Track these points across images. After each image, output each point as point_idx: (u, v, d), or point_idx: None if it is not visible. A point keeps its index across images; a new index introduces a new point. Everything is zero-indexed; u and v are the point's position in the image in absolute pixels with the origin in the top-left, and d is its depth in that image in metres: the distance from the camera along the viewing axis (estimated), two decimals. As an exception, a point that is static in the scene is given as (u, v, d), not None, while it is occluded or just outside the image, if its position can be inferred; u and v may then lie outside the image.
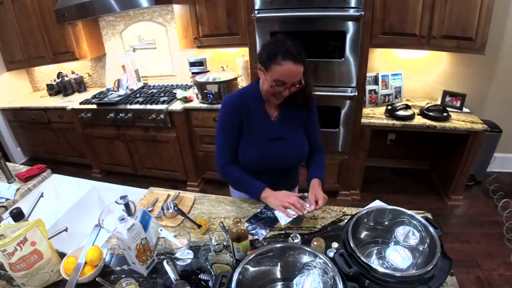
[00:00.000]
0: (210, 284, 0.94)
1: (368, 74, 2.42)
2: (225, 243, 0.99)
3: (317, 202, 1.16)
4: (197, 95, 2.69)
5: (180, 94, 2.72)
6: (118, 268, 1.08)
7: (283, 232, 1.18)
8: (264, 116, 1.27)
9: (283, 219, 1.14)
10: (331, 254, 0.95)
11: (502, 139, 2.53)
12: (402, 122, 2.30)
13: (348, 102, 2.25)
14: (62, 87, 3.44)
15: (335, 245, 1.04)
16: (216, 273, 0.94)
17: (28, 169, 1.73)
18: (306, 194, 1.21)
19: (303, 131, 1.34)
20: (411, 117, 2.33)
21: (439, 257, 0.81)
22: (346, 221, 1.01)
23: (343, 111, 2.29)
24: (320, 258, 0.83)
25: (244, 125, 1.26)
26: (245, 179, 1.27)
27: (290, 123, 1.30)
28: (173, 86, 3.17)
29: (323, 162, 1.38)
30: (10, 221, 1.18)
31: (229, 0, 2.40)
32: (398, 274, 0.79)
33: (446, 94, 2.50)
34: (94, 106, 2.86)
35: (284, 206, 1.15)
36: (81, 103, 2.98)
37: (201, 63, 2.84)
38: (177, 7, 2.66)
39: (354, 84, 2.18)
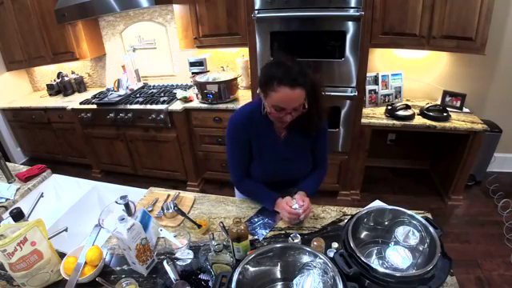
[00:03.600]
0: (210, 284, 0.94)
1: (368, 74, 2.42)
2: (225, 243, 0.99)
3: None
4: (197, 95, 2.69)
5: (180, 93, 2.72)
6: (118, 268, 1.08)
7: (283, 232, 1.18)
8: (273, 136, 1.25)
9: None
10: (331, 254, 0.95)
11: (502, 139, 2.53)
12: (402, 122, 2.30)
13: (348, 101, 2.25)
14: (61, 87, 3.44)
15: (335, 245, 1.04)
16: (216, 273, 0.94)
17: (28, 169, 1.73)
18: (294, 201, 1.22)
19: (309, 149, 1.32)
20: (411, 117, 2.33)
21: (439, 257, 0.81)
22: (346, 221, 1.01)
23: (343, 111, 2.29)
24: (320, 258, 0.83)
25: (253, 143, 1.26)
26: (259, 191, 1.30)
27: (298, 142, 1.27)
28: (173, 85, 3.17)
29: (320, 179, 1.36)
30: (10, 221, 1.18)
31: (229, 0, 2.40)
32: (397, 274, 0.79)
33: (445, 93, 2.50)
34: (94, 106, 2.86)
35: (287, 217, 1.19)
36: (81, 103, 2.98)
37: (201, 63, 2.84)
38: (177, 7, 2.66)
39: (354, 84, 2.18)
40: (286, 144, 1.26)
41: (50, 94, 3.50)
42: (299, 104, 1.06)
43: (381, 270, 0.79)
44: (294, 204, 1.18)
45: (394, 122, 2.31)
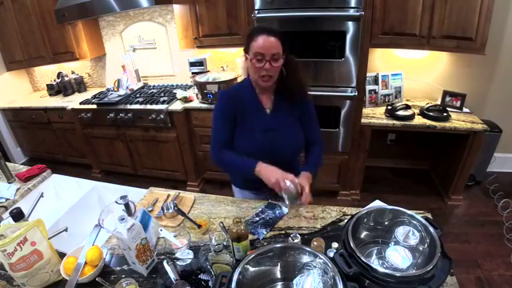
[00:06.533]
0: (210, 284, 0.94)
1: (368, 74, 2.42)
2: (225, 243, 0.99)
3: (302, 196, 1.16)
4: (197, 95, 2.69)
5: (180, 93, 2.72)
6: (118, 268, 1.08)
7: (283, 232, 1.18)
8: (258, 107, 1.31)
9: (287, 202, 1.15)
10: (331, 254, 0.95)
11: (501, 139, 2.53)
12: (402, 122, 2.30)
13: (348, 101, 2.25)
14: (62, 87, 3.44)
15: (335, 245, 1.04)
16: (216, 273, 0.94)
17: (28, 169, 1.73)
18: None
19: (298, 124, 1.35)
20: (411, 117, 2.33)
21: (439, 257, 0.81)
22: (346, 221, 1.01)
23: (343, 111, 2.29)
24: (320, 258, 0.83)
25: (238, 116, 1.29)
26: (238, 159, 1.26)
27: (284, 114, 1.32)
28: (173, 86, 3.17)
29: (318, 154, 1.38)
30: (10, 221, 1.17)
31: (229, 0, 2.40)
32: (398, 274, 0.79)
33: (445, 93, 2.50)
34: (94, 106, 2.86)
35: (275, 186, 1.14)
36: (81, 103, 2.98)
37: (201, 63, 2.84)
38: (177, 7, 2.66)
39: (354, 84, 2.18)
40: (272, 114, 1.31)
41: (50, 94, 3.51)
42: (276, 52, 1.16)
43: (381, 269, 0.79)
44: (291, 176, 1.15)
45: (394, 122, 2.31)
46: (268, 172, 1.17)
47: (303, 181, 1.19)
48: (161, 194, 1.46)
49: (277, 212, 1.27)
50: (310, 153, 1.39)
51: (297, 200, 1.15)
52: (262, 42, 1.16)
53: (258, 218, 1.25)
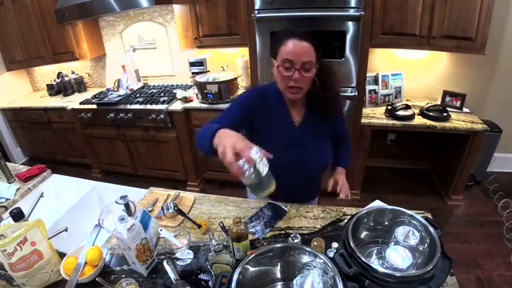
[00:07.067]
0: (210, 284, 0.94)
1: (368, 74, 2.42)
2: (225, 243, 0.99)
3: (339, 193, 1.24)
4: (197, 95, 2.69)
5: (180, 93, 2.72)
6: (118, 268, 1.08)
7: (283, 232, 1.18)
8: (286, 118, 1.18)
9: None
10: (331, 254, 0.95)
11: (501, 139, 2.53)
12: (402, 122, 2.30)
13: (348, 101, 2.25)
14: (62, 87, 3.44)
15: (335, 245, 1.04)
16: (216, 273, 0.94)
17: (28, 169, 1.73)
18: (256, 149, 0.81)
19: (329, 137, 1.26)
20: (411, 117, 2.33)
21: (439, 257, 0.81)
22: (346, 221, 1.01)
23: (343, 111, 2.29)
24: (320, 258, 0.83)
25: (256, 120, 1.15)
26: (211, 126, 0.96)
27: (314, 128, 1.20)
28: (173, 85, 3.17)
29: (348, 147, 1.40)
30: (10, 221, 1.17)
31: (229, 0, 2.40)
32: (398, 274, 0.79)
33: (445, 93, 2.50)
34: (94, 106, 2.86)
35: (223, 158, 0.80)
36: (81, 103, 2.98)
37: (201, 63, 2.84)
38: (177, 7, 2.66)
39: (354, 84, 2.18)
40: (300, 128, 1.19)
41: (50, 94, 3.51)
42: (308, 60, 1.03)
43: (381, 269, 0.79)
44: (253, 151, 0.79)
45: (394, 122, 2.31)
46: (221, 138, 0.85)
47: (339, 176, 1.26)
48: (161, 193, 1.46)
49: (277, 212, 1.27)
50: (340, 147, 1.35)
51: (266, 186, 0.82)
52: (292, 46, 1.02)
53: (258, 218, 1.25)
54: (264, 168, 0.78)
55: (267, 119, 1.16)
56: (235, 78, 2.63)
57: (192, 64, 2.86)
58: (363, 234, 1.03)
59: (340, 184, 1.31)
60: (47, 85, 3.52)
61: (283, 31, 1.09)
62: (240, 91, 2.77)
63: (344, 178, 1.32)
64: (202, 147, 0.97)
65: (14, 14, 3.09)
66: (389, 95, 2.58)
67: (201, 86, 2.57)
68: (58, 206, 1.67)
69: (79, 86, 3.51)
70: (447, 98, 2.50)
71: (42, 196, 1.45)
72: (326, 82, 1.12)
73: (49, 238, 1.04)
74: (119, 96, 2.90)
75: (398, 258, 0.91)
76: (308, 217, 1.24)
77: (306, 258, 0.87)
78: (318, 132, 1.21)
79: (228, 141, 0.81)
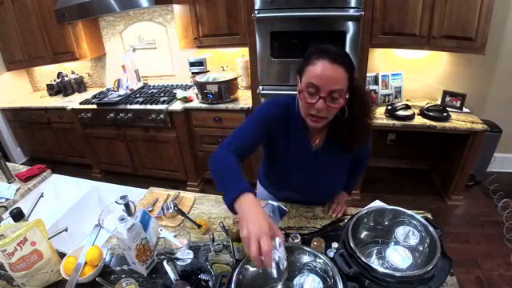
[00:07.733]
0: (210, 284, 0.94)
1: (368, 74, 2.41)
2: (225, 243, 0.99)
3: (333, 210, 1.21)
4: (197, 95, 2.69)
5: (180, 94, 2.72)
6: (118, 268, 1.08)
7: (283, 232, 1.18)
8: (304, 141, 1.07)
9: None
10: (331, 254, 0.95)
11: (502, 139, 2.53)
12: (402, 122, 2.30)
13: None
14: (62, 87, 3.44)
15: (335, 245, 1.04)
16: (216, 273, 0.94)
17: (28, 169, 1.73)
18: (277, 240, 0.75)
19: (346, 166, 1.18)
20: (411, 117, 2.32)
21: (439, 257, 0.81)
22: (346, 221, 1.01)
23: (343, 111, 2.28)
24: (320, 258, 0.83)
25: (274, 137, 1.05)
26: (231, 169, 0.86)
27: (332, 156, 1.09)
28: (173, 86, 3.17)
29: (362, 168, 1.37)
30: (10, 221, 1.17)
31: (229, 0, 2.40)
32: (397, 274, 0.79)
33: (446, 93, 2.50)
34: (94, 106, 2.86)
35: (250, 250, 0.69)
36: (81, 103, 2.98)
37: (201, 63, 2.84)
38: (177, 7, 2.66)
39: (354, 84, 2.18)
40: (317, 155, 1.08)
41: (50, 94, 3.50)
42: (338, 88, 0.88)
43: (381, 270, 0.79)
44: (276, 247, 0.73)
45: (394, 122, 2.31)
46: (246, 216, 0.73)
47: (340, 199, 1.23)
48: (161, 194, 1.46)
49: (277, 212, 1.27)
50: (355, 169, 1.27)
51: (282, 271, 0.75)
52: (320, 69, 0.86)
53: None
54: (284, 263, 0.74)
55: (286, 137, 1.06)
56: (235, 78, 2.62)
57: (192, 64, 2.86)
58: (363, 234, 1.03)
59: (334, 207, 1.24)
60: (47, 85, 3.52)
61: (315, 48, 0.91)
62: (240, 92, 2.77)
63: (343, 202, 1.24)
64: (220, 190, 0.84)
65: (14, 13, 3.09)
66: (389, 95, 2.58)
67: (201, 86, 2.57)
68: (58, 206, 1.67)
69: (79, 85, 3.51)
70: (447, 98, 2.50)
71: (42, 196, 1.45)
72: (356, 112, 0.96)
73: (49, 238, 1.04)
74: (119, 96, 2.90)
75: (398, 258, 0.91)
76: (308, 217, 1.24)
77: (306, 258, 0.87)
78: (337, 162, 1.12)
79: (253, 227, 0.70)
